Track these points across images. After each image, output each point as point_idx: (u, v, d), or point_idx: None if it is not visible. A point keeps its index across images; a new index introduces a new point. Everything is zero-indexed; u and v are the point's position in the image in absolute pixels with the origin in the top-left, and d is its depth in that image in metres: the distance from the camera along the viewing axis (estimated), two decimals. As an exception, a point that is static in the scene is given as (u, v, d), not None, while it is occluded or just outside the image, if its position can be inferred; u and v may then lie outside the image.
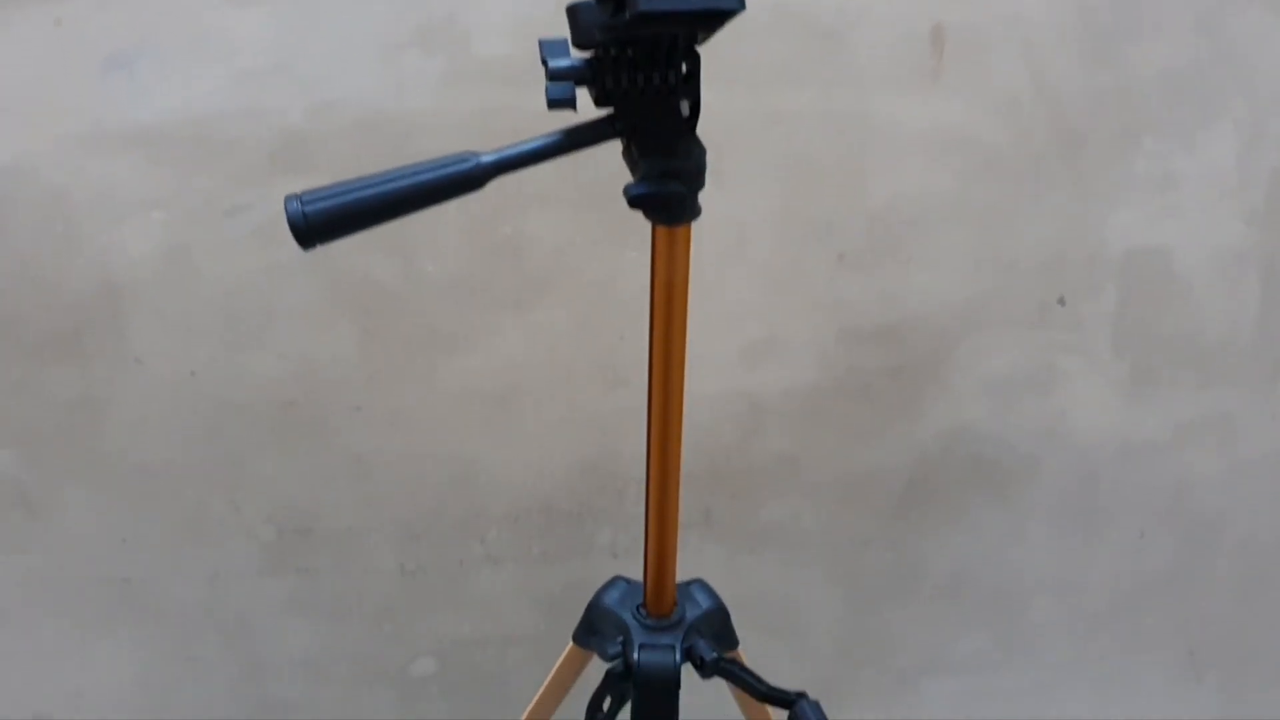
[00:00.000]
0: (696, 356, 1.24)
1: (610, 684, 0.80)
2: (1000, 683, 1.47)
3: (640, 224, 0.69)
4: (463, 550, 1.32)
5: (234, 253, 1.13)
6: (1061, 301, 1.23)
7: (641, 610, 0.82)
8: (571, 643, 0.88)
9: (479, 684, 1.39)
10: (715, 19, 0.57)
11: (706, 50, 0.63)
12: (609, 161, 0.72)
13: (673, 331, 0.72)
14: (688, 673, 0.80)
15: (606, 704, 0.81)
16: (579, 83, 0.61)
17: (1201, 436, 1.33)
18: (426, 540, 1.30)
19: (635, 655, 0.78)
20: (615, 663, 0.80)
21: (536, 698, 0.91)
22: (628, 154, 0.64)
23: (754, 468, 1.31)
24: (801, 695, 0.77)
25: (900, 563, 1.38)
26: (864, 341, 1.24)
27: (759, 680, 0.79)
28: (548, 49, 0.62)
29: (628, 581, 0.85)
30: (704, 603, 0.83)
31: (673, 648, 0.79)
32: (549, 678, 0.90)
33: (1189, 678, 1.50)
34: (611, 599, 0.83)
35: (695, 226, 0.70)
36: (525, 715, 0.93)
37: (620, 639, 0.81)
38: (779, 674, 0.93)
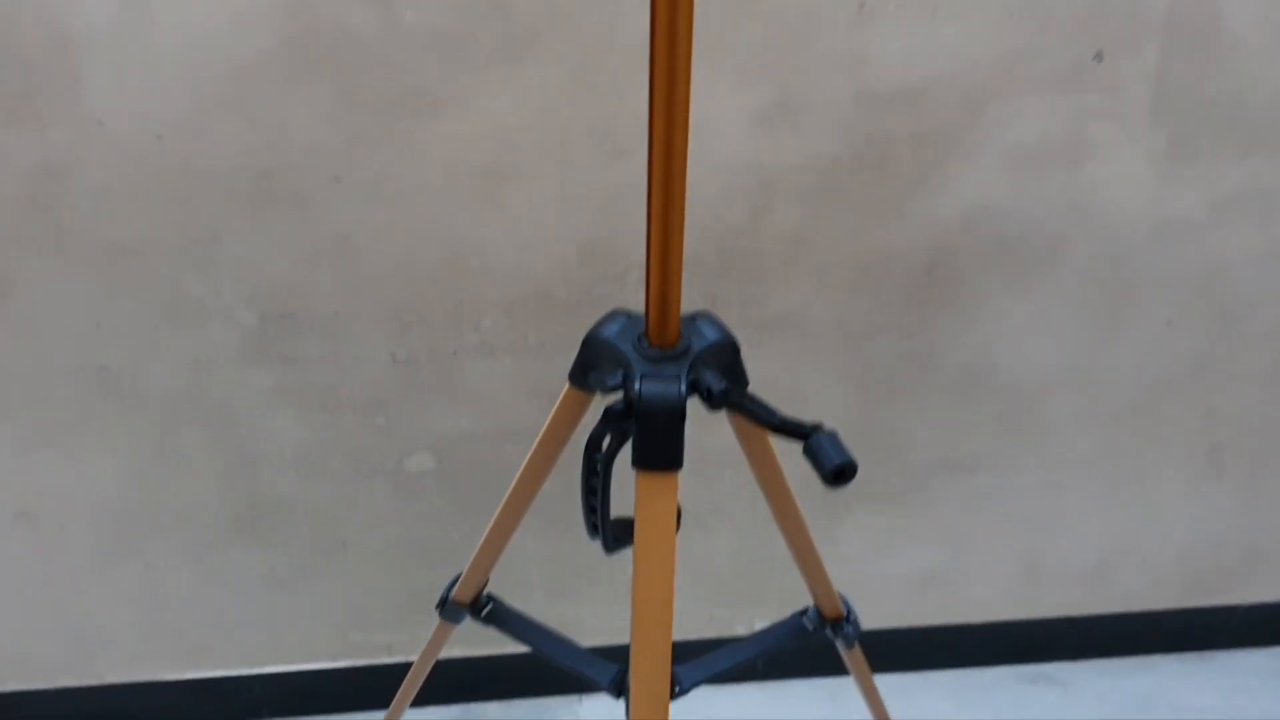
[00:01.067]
0: (703, 122, 1.15)
1: (610, 421, 0.74)
2: (1014, 481, 1.43)
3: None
4: (456, 339, 1.25)
5: (194, -3, 1.03)
6: (1099, 57, 1.14)
7: (643, 341, 0.75)
8: (568, 383, 0.82)
9: (477, 479, 1.34)
10: None
11: None
12: None
13: (677, 33, 0.63)
14: (695, 409, 0.74)
15: (606, 443, 0.75)
16: None
17: (1240, 213, 1.25)
18: (417, 328, 1.24)
19: (637, 386, 0.72)
20: (615, 398, 0.74)
21: (533, 448, 0.86)
22: None
23: (762, 250, 1.23)
24: (817, 427, 0.71)
25: (914, 354, 1.32)
26: (884, 105, 1.15)
27: (771, 411, 0.72)
28: None
29: (628, 314, 0.78)
30: (711, 335, 0.77)
31: (677, 378, 0.72)
32: (545, 426, 0.85)
33: (1209, 474, 1.45)
34: (610, 332, 0.76)
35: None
36: (522, 468, 0.88)
37: (620, 372, 0.74)
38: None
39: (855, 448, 1.38)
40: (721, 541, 1.44)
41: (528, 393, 1.29)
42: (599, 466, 0.76)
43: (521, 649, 1.52)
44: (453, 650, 1.49)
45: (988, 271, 1.26)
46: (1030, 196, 1.21)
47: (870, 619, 1.52)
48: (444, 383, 1.28)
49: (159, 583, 1.37)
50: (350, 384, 1.27)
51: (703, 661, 0.98)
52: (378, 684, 1.43)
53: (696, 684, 0.97)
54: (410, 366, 1.26)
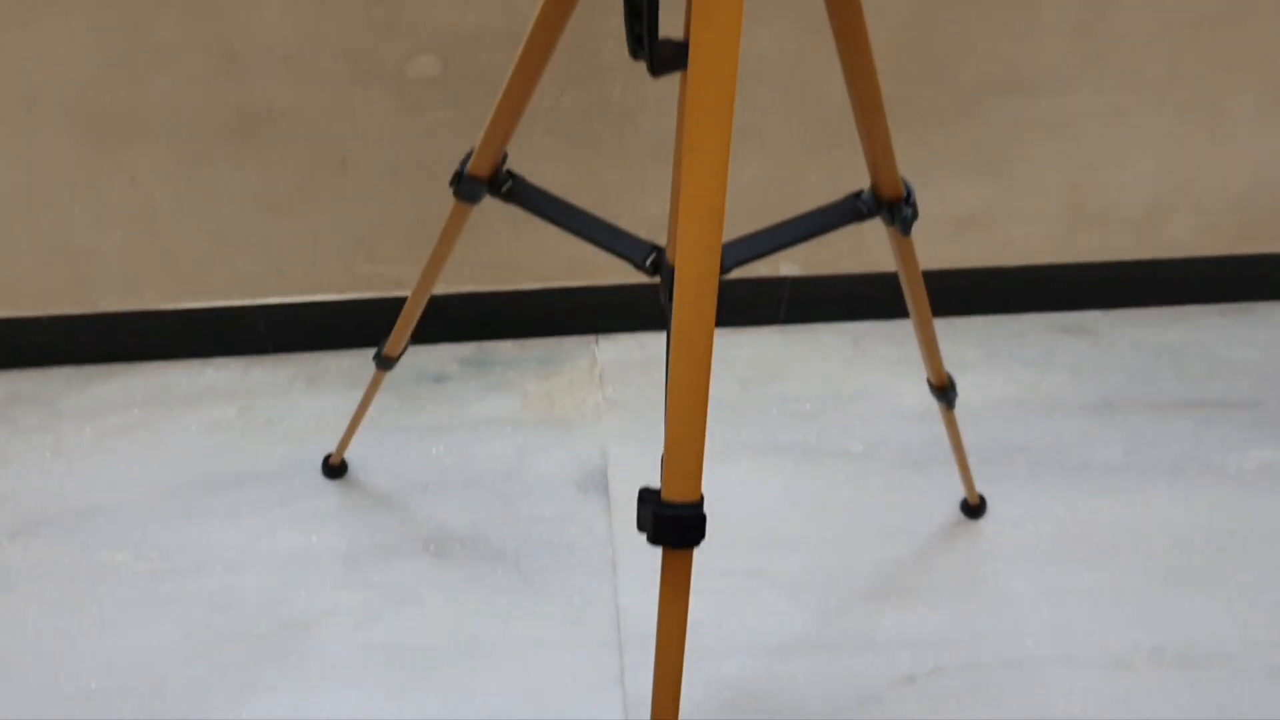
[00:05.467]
0: None
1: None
2: (1072, 105, 1.31)
3: None
4: (461, -88, 1.10)
5: None
6: None
7: None
8: None
9: (487, 88, 1.22)
10: None
11: None
12: None
13: None
14: None
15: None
16: None
17: None
18: (417, -104, 1.08)
19: None
20: None
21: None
22: None
23: None
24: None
25: (979, -53, 1.17)
26: None
27: None
28: None
29: None
30: None
31: None
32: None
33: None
34: None
35: None
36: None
37: None
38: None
39: (908, 61, 1.25)
40: (750, 169, 1.34)
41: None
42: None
43: (537, 285, 1.46)
44: (467, 285, 1.42)
45: None
46: None
47: (903, 261, 1.45)
48: (449, -30, 1.13)
49: (147, 200, 1.28)
50: (343, -34, 1.12)
51: (748, 240, 0.90)
52: (386, 320, 1.37)
53: (740, 263, 0.89)
54: (410, -54, 1.11)
